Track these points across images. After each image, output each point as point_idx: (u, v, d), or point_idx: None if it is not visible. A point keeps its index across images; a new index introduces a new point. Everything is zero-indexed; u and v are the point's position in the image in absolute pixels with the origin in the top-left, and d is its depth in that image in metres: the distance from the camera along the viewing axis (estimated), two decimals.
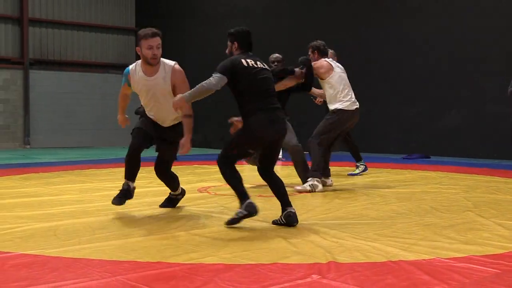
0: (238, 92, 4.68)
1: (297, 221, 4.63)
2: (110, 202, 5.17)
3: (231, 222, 4.59)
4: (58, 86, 17.11)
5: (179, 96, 4.65)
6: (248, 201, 4.52)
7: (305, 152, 7.21)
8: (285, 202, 4.68)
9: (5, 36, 16.51)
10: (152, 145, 5.36)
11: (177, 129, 5.21)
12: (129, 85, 5.29)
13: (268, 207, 5.30)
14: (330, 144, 7.31)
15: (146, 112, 5.36)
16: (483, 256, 3.61)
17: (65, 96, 17.24)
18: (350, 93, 7.26)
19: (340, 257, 3.60)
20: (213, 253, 3.73)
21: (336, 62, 7.57)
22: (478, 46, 11.58)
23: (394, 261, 3.50)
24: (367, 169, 8.65)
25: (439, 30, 12.17)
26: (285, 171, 8.89)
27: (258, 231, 4.48)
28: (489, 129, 11.34)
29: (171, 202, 5.60)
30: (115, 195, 5.17)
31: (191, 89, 4.73)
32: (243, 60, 4.70)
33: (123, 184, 5.16)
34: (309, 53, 7.32)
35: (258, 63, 4.77)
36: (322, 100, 8.63)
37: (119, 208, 5.43)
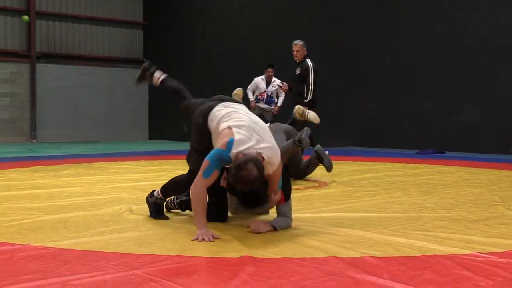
0: None
1: None
2: (121, 194, 4.93)
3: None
4: (65, 80, 16.92)
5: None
6: None
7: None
8: None
9: (11, 29, 16.32)
10: None
11: None
12: None
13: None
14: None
15: None
16: None
17: (72, 90, 17.04)
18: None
19: (370, 251, 3.37)
20: (234, 247, 3.50)
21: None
22: (494, 40, 11.32)
23: (429, 256, 3.27)
24: None
25: (453, 24, 11.90)
26: None
27: None
28: (504, 124, 11.08)
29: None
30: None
31: None
32: None
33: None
34: None
35: None
36: (287, 88, 9.33)
37: (131, 201, 5.22)
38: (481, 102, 11.50)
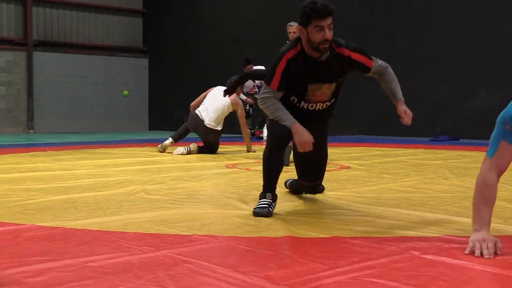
0: None
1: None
2: (131, 176, 4.46)
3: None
4: (62, 68, 16.37)
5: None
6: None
7: None
8: None
9: (7, 16, 15.77)
10: None
11: None
12: None
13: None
14: None
15: None
16: None
17: (70, 79, 16.50)
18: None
19: (427, 232, 2.92)
20: (271, 226, 3.04)
21: None
22: (507, 24, 10.87)
23: (497, 236, 2.83)
24: None
25: (466, 9, 11.45)
26: None
27: (314, 204, 3.80)
28: None
29: None
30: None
31: None
32: None
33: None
34: None
35: None
36: None
37: (143, 182, 4.76)
38: (497, 87, 11.05)
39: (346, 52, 3.43)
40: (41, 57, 16.05)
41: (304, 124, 3.33)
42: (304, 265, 2.28)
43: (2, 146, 9.37)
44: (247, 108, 11.41)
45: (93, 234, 2.83)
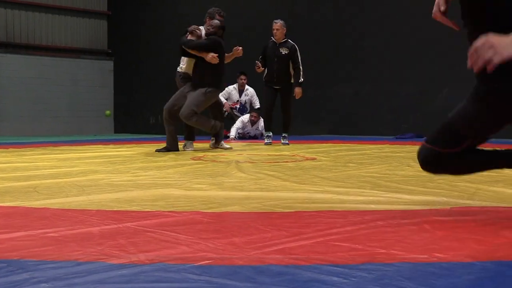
0: None
1: None
2: (96, 167, 4.40)
3: None
4: (26, 71, 16.12)
5: None
6: None
7: None
8: None
9: None
10: None
11: None
12: None
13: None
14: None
15: None
16: None
17: (34, 81, 16.26)
18: None
19: (392, 206, 2.93)
20: (236, 203, 3.02)
21: None
22: None
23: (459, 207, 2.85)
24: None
25: (431, 6, 11.58)
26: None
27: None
28: None
29: None
30: None
31: None
32: None
33: None
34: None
35: None
36: (262, 68, 8.99)
37: (108, 171, 4.70)
38: (459, 85, 11.19)
39: None
40: (3, 59, 15.79)
41: None
42: (269, 233, 2.26)
43: None
44: (225, 111, 11.44)
45: (54, 211, 2.78)
